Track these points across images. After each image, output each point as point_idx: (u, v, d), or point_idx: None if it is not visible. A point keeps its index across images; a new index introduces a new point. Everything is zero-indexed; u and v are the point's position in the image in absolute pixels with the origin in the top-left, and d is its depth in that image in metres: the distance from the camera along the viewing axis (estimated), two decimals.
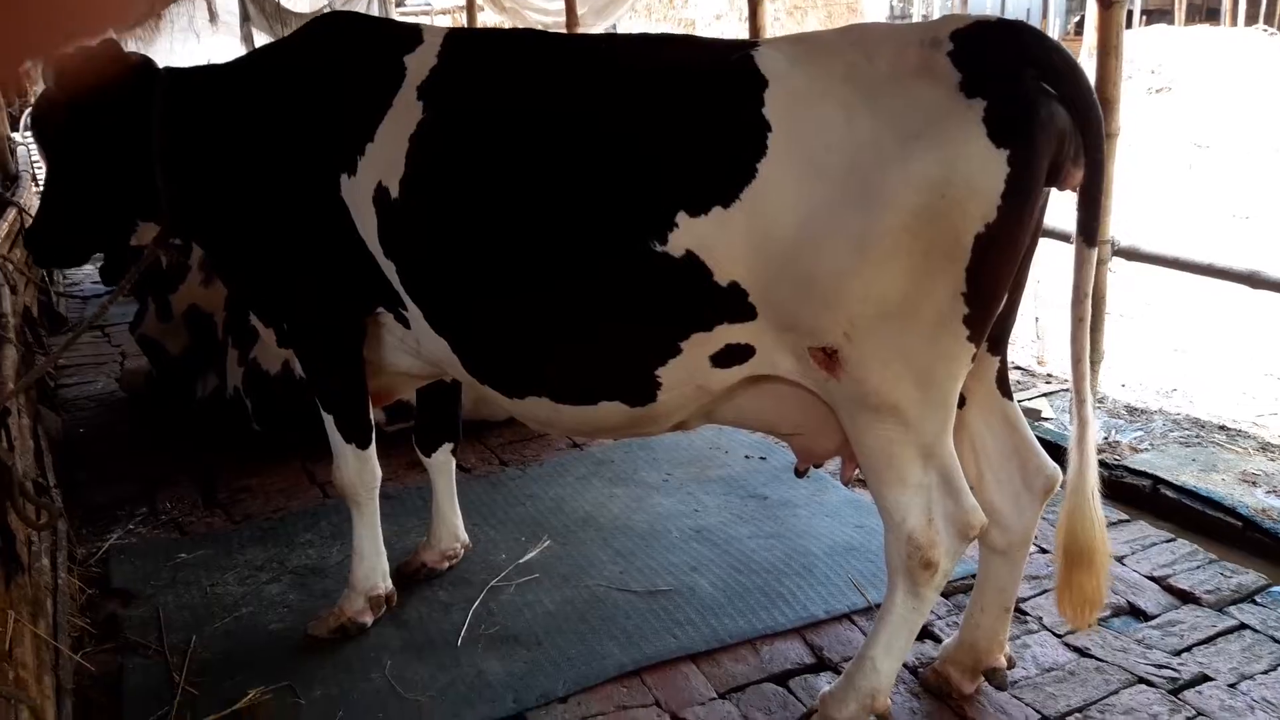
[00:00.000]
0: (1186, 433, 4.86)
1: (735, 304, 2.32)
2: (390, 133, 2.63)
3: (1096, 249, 2.35)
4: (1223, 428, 4.91)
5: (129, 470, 4.41)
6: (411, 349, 2.95)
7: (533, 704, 2.80)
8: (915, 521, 2.42)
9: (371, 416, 3.09)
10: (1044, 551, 3.55)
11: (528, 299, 2.52)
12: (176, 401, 5.10)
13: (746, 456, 4.45)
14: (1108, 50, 4.11)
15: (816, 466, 2.93)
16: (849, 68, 2.21)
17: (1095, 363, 4.28)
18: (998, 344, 2.60)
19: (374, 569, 3.16)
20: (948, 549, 2.45)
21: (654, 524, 3.84)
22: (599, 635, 3.10)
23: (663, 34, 2.71)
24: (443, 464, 3.45)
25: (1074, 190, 2.32)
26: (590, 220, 2.39)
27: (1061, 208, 2.61)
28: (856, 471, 2.86)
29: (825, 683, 2.92)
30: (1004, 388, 2.68)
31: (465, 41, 2.76)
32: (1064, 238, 3.08)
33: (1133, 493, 4.12)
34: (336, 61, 2.82)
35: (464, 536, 3.51)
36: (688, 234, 2.28)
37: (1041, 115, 2.17)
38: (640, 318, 2.42)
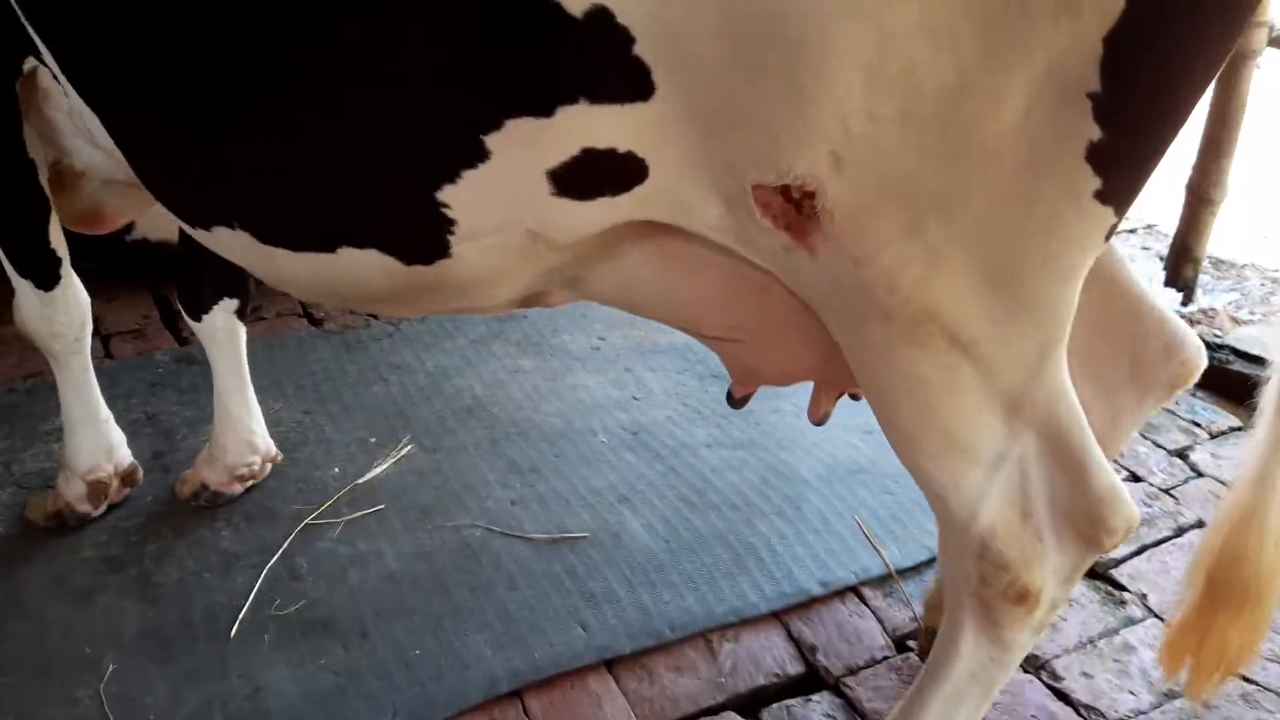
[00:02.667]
0: None
1: (604, 58, 1.07)
2: None
3: None
4: None
5: None
6: (88, 135, 1.71)
7: None
8: (993, 518, 1.27)
9: (57, 242, 1.92)
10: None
11: (204, 49, 1.27)
12: None
13: None
14: None
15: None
16: None
17: (1219, 201, 3.06)
18: None
19: (91, 443, 2.18)
20: (1057, 567, 1.31)
21: (572, 420, 2.64)
22: (463, 622, 1.95)
23: None
24: (222, 333, 2.17)
25: None
26: None
27: None
28: (833, 406, 1.72)
29: (818, 714, 1.83)
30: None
31: None
32: None
33: (1241, 387, 2.97)
34: None
35: (265, 444, 2.29)
36: None
37: None
38: (408, 86, 1.18)
